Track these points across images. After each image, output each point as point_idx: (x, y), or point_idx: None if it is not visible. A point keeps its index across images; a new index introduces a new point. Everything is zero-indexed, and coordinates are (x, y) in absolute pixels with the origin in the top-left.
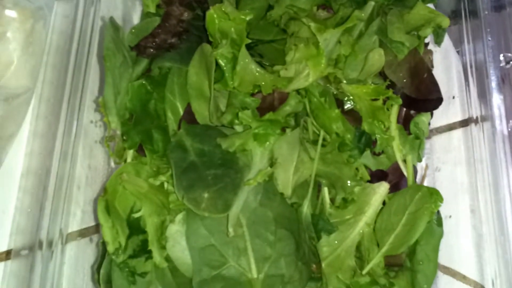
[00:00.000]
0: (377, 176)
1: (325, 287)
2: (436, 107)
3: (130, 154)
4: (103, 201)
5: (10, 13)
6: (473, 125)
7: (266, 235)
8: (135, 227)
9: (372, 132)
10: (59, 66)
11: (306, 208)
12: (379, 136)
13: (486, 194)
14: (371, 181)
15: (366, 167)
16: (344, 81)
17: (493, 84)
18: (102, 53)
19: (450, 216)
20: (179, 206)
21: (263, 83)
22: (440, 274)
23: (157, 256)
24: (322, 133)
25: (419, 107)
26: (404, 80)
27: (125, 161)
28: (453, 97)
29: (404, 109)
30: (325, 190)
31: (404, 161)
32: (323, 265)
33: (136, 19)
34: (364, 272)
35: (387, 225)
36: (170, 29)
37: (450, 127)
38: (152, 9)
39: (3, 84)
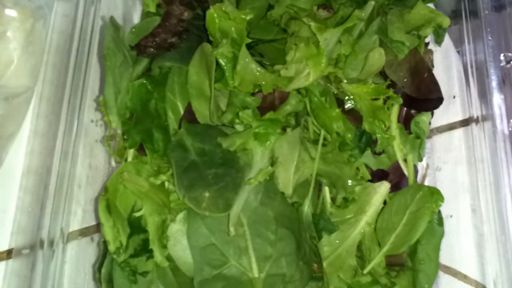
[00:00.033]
0: (378, 175)
1: (326, 287)
2: (436, 106)
3: (130, 153)
4: (104, 200)
5: (10, 12)
6: (473, 124)
7: (267, 234)
8: (136, 226)
9: (372, 131)
10: (59, 65)
11: (307, 208)
12: (379, 135)
13: (487, 194)
14: (372, 181)
15: (366, 166)
16: (345, 81)
17: (494, 83)
18: (102, 52)
19: (451, 216)
20: (180, 205)
21: (263, 82)
22: (441, 273)
23: (158, 255)
24: (322, 132)
25: (420, 106)
26: (405, 80)
27: (126, 160)
28: (454, 97)
29: (405, 108)
30: (326, 189)
31: (405, 160)
32: (324, 264)
33: (136, 18)
34: (365, 271)
35: (388, 225)
36: (171, 29)
37: (451, 127)
38: (153, 9)
39: (3, 84)
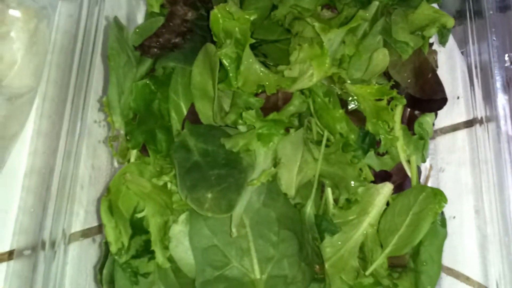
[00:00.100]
0: (381, 176)
1: None
2: (440, 107)
3: (133, 154)
4: (106, 201)
5: (14, 12)
6: (477, 125)
7: (269, 235)
8: (138, 227)
9: (376, 132)
10: (63, 65)
11: (309, 209)
12: (383, 136)
13: (491, 195)
14: (375, 182)
15: (370, 167)
16: (348, 81)
17: (498, 84)
18: (106, 52)
19: (454, 217)
20: (182, 206)
21: (267, 83)
22: (443, 275)
23: (160, 257)
24: (326, 133)
25: (424, 107)
26: (409, 80)
27: (129, 161)
28: (458, 98)
29: (408, 109)
30: (329, 190)
31: (408, 161)
32: (326, 265)
33: (140, 18)
34: (367, 273)
35: (390, 226)
36: (174, 29)
37: (455, 128)
38: (156, 9)
39: (6, 84)
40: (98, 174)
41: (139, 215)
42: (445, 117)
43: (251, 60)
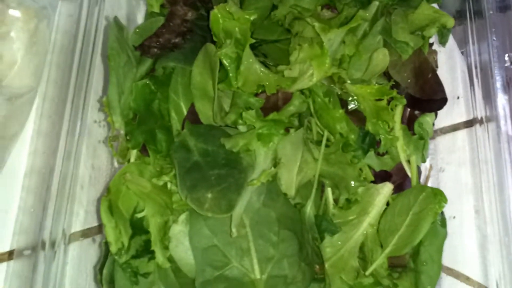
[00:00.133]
0: (381, 176)
1: None
2: (440, 107)
3: (133, 154)
4: (106, 201)
5: (14, 12)
6: (477, 125)
7: (269, 235)
8: (138, 227)
9: (376, 132)
10: (63, 65)
11: (309, 209)
12: (383, 136)
13: (491, 195)
14: (375, 182)
15: (370, 167)
16: (348, 81)
17: (498, 84)
18: (106, 52)
19: (454, 217)
20: (182, 206)
21: (267, 83)
22: (443, 275)
23: (160, 257)
24: (326, 133)
25: (424, 107)
26: (409, 80)
27: (129, 161)
28: (458, 98)
29: (408, 109)
30: (329, 190)
31: (408, 161)
32: (326, 266)
33: (140, 18)
34: (367, 273)
35: (390, 226)
36: (174, 29)
37: (455, 128)
38: (156, 9)
39: (6, 84)
40: (98, 174)
41: (139, 215)
42: (445, 117)
43: (251, 60)
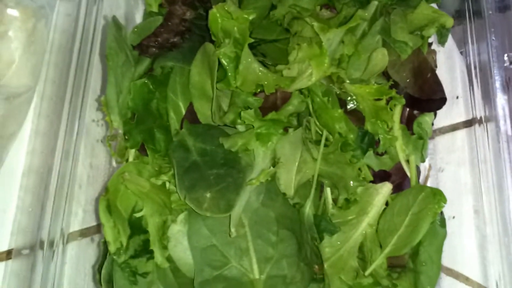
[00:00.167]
0: (380, 176)
1: None
2: (439, 107)
3: (131, 153)
4: (104, 200)
5: (12, 12)
6: (477, 125)
7: (268, 235)
8: (136, 227)
9: (375, 132)
10: (61, 65)
11: (308, 209)
12: (382, 136)
13: (490, 195)
14: (374, 182)
15: (369, 167)
16: (347, 81)
17: (497, 84)
18: (104, 52)
19: (453, 217)
20: (181, 206)
21: (265, 82)
22: (443, 275)
23: (158, 256)
24: (324, 133)
25: (423, 107)
26: (408, 80)
27: (127, 160)
28: (457, 97)
29: (407, 109)
30: (328, 190)
31: (407, 161)
32: (325, 266)
33: (138, 18)
34: (366, 273)
35: (390, 226)
36: (173, 28)
37: (454, 128)
38: (155, 8)
39: (4, 83)
40: (96, 174)
41: (137, 215)
42: (444, 117)
43: (249, 59)
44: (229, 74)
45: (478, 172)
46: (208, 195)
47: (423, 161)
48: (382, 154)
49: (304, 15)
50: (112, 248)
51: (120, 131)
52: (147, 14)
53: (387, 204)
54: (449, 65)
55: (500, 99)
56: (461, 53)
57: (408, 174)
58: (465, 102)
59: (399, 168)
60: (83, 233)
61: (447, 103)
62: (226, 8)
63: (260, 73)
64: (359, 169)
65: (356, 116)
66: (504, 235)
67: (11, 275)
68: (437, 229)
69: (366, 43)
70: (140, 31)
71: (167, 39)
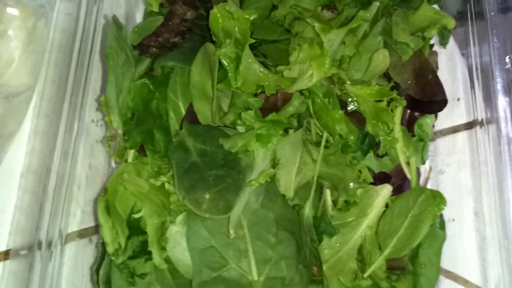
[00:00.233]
0: (380, 178)
1: None
2: (440, 109)
3: (131, 154)
4: (103, 201)
5: (12, 11)
6: (478, 127)
7: (267, 237)
8: (135, 228)
9: (375, 133)
10: (61, 64)
11: (308, 210)
12: (382, 138)
13: (490, 197)
14: (374, 183)
15: (369, 169)
16: (348, 82)
17: (499, 86)
18: (104, 51)
19: (453, 219)
20: (180, 206)
21: (266, 83)
22: (442, 278)
23: (157, 257)
24: (325, 134)
25: (424, 108)
26: (409, 82)
27: (126, 161)
28: (458, 99)
29: (408, 110)
30: (328, 192)
31: (408, 163)
32: (324, 268)
33: (139, 17)
34: (365, 275)
35: (389, 228)
36: (173, 28)
37: (455, 129)
38: (155, 8)
39: (3, 82)
40: (95, 174)
41: (136, 216)
42: (445, 118)
43: (250, 60)
44: (230, 74)
45: (479, 174)
46: (207, 196)
47: (424, 163)
48: (382, 156)
49: (305, 15)
50: (110, 249)
51: (120, 132)
52: (148, 14)
53: (387, 206)
54: (451, 66)
55: (502, 101)
56: (462, 54)
57: (408, 176)
58: (466, 104)
59: (399, 170)
60: (82, 233)
61: (448, 105)
62: (227, 8)
63: (260, 74)
64: (359, 170)
65: (357, 118)
66: (504, 237)
67: (9, 276)
68: (437, 232)
69: (367, 44)
70: (141, 30)
71: (167, 39)
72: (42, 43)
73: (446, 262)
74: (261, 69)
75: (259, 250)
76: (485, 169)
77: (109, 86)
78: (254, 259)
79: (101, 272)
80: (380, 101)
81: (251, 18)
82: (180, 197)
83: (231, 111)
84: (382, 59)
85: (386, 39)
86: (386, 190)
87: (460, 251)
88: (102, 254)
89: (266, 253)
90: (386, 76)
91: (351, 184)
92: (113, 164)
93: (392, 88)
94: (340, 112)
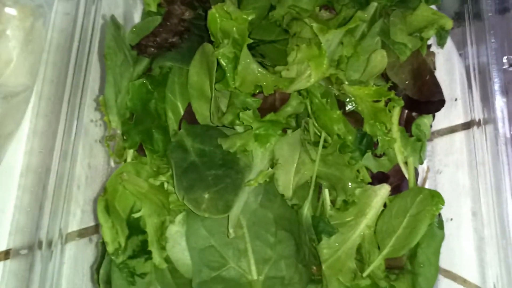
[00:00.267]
0: (378, 178)
1: None
2: (438, 109)
3: (130, 153)
4: (103, 200)
5: (10, 11)
6: (475, 127)
7: (267, 236)
8: (135, 227)
9: (373, 133)
10: (59, 64)
11: (306, 210)
12: (380, 138)
13: (488, 197)
14: (372, 183)
15: (367, 169)
16: (346, 82)
17: (496, 86)
18: (103, 51)
19: (451, 219)
20: (179, 206)
21: (264, 83)
22: (440, 277)
23: (156, 257)
24: (323, 134)
25: (421, 109)
26: (406, 82)
27: (125, 160)
28: (456, 99)
29: (406, 111)
30: (326, 191)
31: (406, 163)
32: (323, 267)
33: (137, 17)
34: (364, 274)
35: (388, 228)
36: (172, 28)
37: (452, 130)
38: (153, 8)
39: (2, 82)
40: (95, 174)
41: (136, 215)
42: (442, 119)
43: (248, 60)
44: (228, 74)
45: (476, 174)
46: (206, 195)
47: (421, 163)
48: (380, 156)
49: (303, 16)
50: (110, 249)
51: (119, 131)
52: (146, 14)
53: (385, 206)
54: (448, 67)
55: (499, 101)
56: (460, 55)
57: (406, 176)
58: (464, 104)
59: (397, 170)
60: (82, 233)
61: (445, 105)
62: (225, 8)
63: (259, 74)
64: (357, 170)
65: (355, 118)
66: (502, 237)
67: (9, 275)
68: (435, 231)
69: (365, 45)
70: (139, 30)
71: (165, 39)
72: (40, 43)
73: (444, 262)
74: (259, 69)
75: (259, 249)
76: (483, 169)
77: (108, 86)
78: (253, 258)
79: (101, 271)
80: (378, 101)
81: (249, 18)
82: (179, 197)
83: (230, 111)
84: (380, 60)
85: (384, 39)
86: (384, 190)
87: (458, 250)
88: (102, 253)
89: (265, 252)
90: (384, 76)
91: (350, 184)
92: (112, 164)
93: (390, 88)
94: (338, 112)
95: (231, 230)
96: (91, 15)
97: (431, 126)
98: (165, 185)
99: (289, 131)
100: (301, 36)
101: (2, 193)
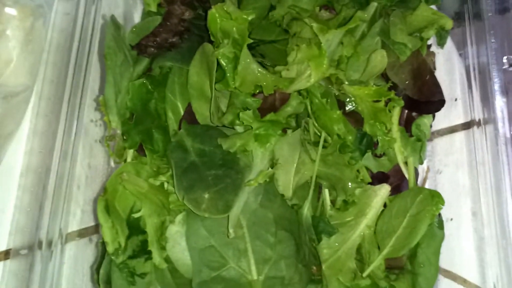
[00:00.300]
0: (378, 178)
1: None
2: (438, 109)
3: (130, 153)
4: (103, 200)
5: (10, 11)
6: (475, 127)
7: (267, 236)
8: (135, 227)
9: (373, 133)
10: (59, 64)
11: (306, 210)
12: (380, 138)
13: (488, 197)
14: (372, 183)
15: (367, 169)
16: (346, 82)
17: (496, 86)
18: (103, 51)
19: (451, 219)
20: (179, 206)
21: (264, 83)
22: (441, 277)
23: (156, 257)
24: (323, 134)
25: (421, 109)
26: (406, 82)
27: (125, 160)
28: (456, 99)
29: (406, 111)
30: (326, 191)
31: (406, 163)
32: (323, 267)
33: (137, 17)
34: (364, 274)
35: (388, 228)
36: (172, 28)
37: (452, 130)
38: (153, 8)
39: (2, 82)
40: (95, 174)
41: (136, 215)
42: (442, 119)
43: (248, 60)
44: (228, 74)
45: (476, 174)
46: (206, 195)
47: (421, 163)
48: (380, 156)
49: (303, 16)
50: (110, 249)
51: (119, 131)
52: (146, 14)
53: (385, 206)
54: (448, 67)
55: (499, 102)
56: (460, 55)
57: (406, 176)
58: (464, 104)
59: (397, 170)
60: (82, 233)
61: (445, 105)
62: (225, 8)
63: (259, 74)
64: (358, 170)
65: (355, 118)
66: (502, 237)
67: (9, 275)
68: (435, 231)
69: (365, 45)
70: (139, 30)
71: (165, 39)
72: (40, 43)
73: (444, 262)
74: (259, 69)
75: (259, 249)
76: (483, 169)
77: (108, 86)
78: (253, 258)
79: (101, 271)
80: (378, 101)
81: (249, 18)
82: (180, 197)
83: (230, 111)
84: (380, 60)
85: (384, 39)
86: (384, 190)
87: (458, 250)
88: (102, 253)
89: (265, 252)
90: (384, 76)
91: (350, 184)
92: (112, 164)
93: (390, 89)
94: (338, 112)
95: (231, 230)
96: (91, 15)
97: (431, 126)
98: (165, 185)
99: (289, 131)
100: (301, 36)
101: (2, 193)
